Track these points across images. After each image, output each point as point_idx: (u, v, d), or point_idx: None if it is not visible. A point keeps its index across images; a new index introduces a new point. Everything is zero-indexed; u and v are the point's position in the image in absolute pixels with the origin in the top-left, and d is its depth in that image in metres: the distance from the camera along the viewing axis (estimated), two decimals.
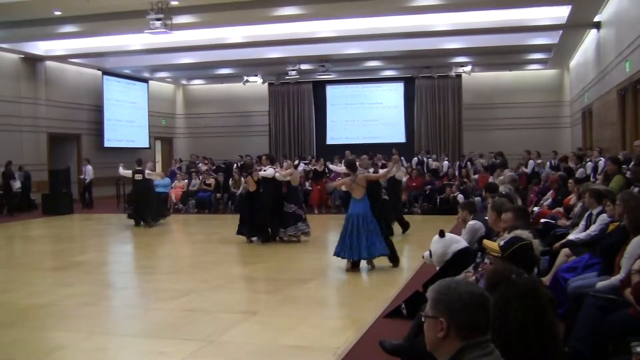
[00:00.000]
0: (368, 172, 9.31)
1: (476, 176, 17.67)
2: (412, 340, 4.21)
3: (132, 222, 14.43)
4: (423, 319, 2.13)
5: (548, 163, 16.60)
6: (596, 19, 15.30)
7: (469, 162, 19.49)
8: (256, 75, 23.66)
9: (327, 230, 13.55)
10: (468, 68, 22.48)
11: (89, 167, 19.33)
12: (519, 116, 23.55)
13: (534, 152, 17.98)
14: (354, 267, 8.36)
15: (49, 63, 20.18)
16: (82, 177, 19.39)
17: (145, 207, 14.22)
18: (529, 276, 2.74)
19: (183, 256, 10.78)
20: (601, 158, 11.94)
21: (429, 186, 16.93)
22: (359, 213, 8.21)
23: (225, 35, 17.69)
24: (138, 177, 14.32)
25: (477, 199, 11.34)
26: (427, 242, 5.82)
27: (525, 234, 3.66)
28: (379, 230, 8.31)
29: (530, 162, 17.35)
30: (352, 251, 8.18)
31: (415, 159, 20.27)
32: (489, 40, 18.39)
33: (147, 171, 14.65)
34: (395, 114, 25.51)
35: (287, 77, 22.77)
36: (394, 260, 8.61)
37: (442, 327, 2.04)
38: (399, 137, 25.01)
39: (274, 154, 18.73)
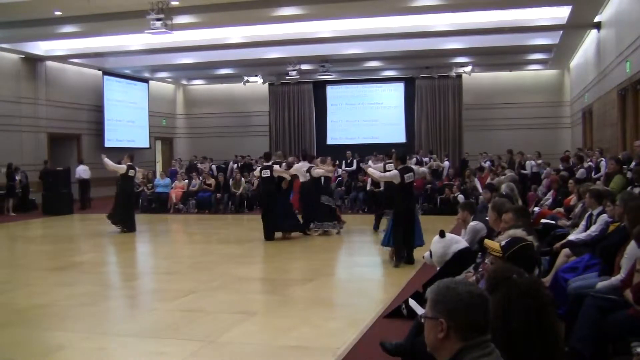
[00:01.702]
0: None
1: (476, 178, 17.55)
2: (412, 340, 4.20)
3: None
4: (422, 320, 2.13)
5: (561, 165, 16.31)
6: (596, 19, 15.30)
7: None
8: (256, 76, 23.66)
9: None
10: (468, 68, 22.48)
11: (81, 167, 19.30)
12: (519, 116, 23.54)
13: (535, 153, 17.88)
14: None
15: (49, 63, 20.18)
16: (76, 177, 19.29)
17: (129, 209, 13.61)
18: (530, 276, 2.73)
19: (183, 256, 10.76)
20: (602, 158, 11.92)
21: (429, 186, 16.91)
22: None
23: (225, 36, 17.69)
24: (132, 172, 13.69)
25: (482, 198, 11.29)
26: (428, 242, 5.81)
27: (524, 234, 3.65)
28: (391, 224, 8.76)
29: (528, 162, 17.20)
30: None
31: (414, 159, 20.20)
32: (489, 41, 18.39)
33: (137, 168, 14.31)
34: (396, 114, 25.51)
35: (287, 77, 22.74)
36: (396, 257, 8.63)
37: (441, 327, 2.03)
38: (399, 137, 25.01)
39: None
